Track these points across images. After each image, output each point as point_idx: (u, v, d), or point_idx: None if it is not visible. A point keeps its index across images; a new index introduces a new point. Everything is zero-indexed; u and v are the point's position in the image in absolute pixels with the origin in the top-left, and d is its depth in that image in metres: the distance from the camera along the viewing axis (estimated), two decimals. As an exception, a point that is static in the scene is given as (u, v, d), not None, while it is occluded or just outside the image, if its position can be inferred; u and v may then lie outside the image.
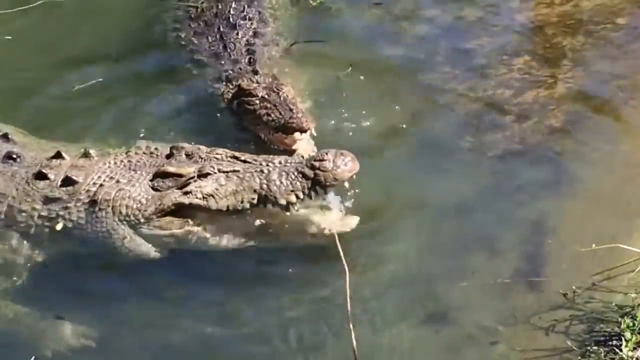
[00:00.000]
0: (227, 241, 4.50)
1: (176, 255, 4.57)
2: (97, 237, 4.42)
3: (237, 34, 6.03)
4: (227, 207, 4.40)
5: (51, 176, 4.55)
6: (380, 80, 5.99)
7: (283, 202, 4.37)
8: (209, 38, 6.02)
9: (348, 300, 4.04)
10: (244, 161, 4.55)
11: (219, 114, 5.58)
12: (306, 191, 4.35)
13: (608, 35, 6.33)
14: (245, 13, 6.18)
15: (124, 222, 4.40)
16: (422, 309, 4.43)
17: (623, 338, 4.13)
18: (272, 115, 5.23)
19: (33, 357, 4.27)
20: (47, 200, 4.48)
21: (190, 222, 4.45)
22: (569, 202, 4.96)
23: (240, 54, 5.90)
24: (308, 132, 5.17)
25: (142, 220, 4.40)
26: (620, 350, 4.09)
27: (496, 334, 4.30)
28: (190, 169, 4.46)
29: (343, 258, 4.19)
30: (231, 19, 6.13)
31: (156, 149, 4.72)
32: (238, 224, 4.51)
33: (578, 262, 4.56)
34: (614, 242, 4.47)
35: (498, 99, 5.78)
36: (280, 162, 4.47)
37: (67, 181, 4.51)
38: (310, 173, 4.35)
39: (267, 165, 4.47)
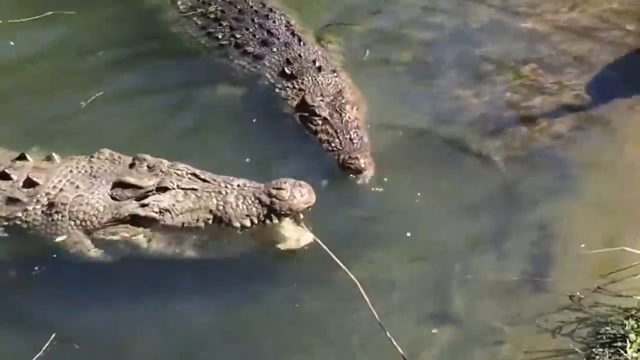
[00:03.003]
0: (180, 251, 4.54)
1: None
2: (52, 240, 4.49)
3: (274, 22, 6.12)
4: (182, 223, 4.48)
5: (14, 177, 4.62)
6: (387, 84, 6.05)
7: (237, 224, 4.43)
8: (250, 29, 6.06)
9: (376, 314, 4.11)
10: (204, 180, 4.59)
11: (283, 118, 5.58)
12: (261, 217, 4.42)
13: (615, 42, 6.36)
14: (268, 6, 6.28)
15: (79, 227, 4.48)
16: (428, 309, 4.48)
17: (628, 340, 4.17)
18: (332, 145, 5.27)
19: (53, 335, 4.32)
20: (8, 200, 4.55)
21: (145, 230, 4.50)
22: (574, 206, 5.01)
23: (287, 36, 5.98)
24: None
25: (97, 226, 4.47)
26: (625, 352, 4.13)
27: (502, 335, 4.34)
28: (150, 182, 4.52)
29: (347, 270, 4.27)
30: (259, 12, 6.21)
31: (119, 157, 4.77)
32: (194, 235, 4.53)
33: (584, 264, 4.60)
34: (619, 245, 4.51)
35: (504, 105, 5.84)
36: (238, 185, 4.53)
37: (28, 182, 4.58)
38: (266, 200, 4.42)
39: (226, 186, 4.53)
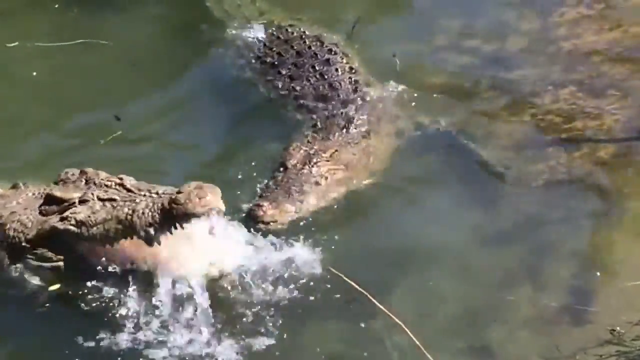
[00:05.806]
0: (97, 280, 4.27)
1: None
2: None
3: (337, 69, 5.72)
4: (97, 235, 4.18)
5: None
6: (425, 107, 5.97)
7: (142, 234, 4.05)
8: (310, 79, 5.68)
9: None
10: (128, 190, 4.30)
11: None
12: (164, 225, 4.02)
13: (658, 63, 6.24)
14: (327, 46, 5.90)
15: (10, 246, 4.39)
16: (465, 341, 4.40)
17: (671, 376, 4.05)
18: (263, 191, 4.95)
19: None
20: None
21: (60, 257, 4.33)
22: (616, 235, 4.89)
23: (348, 93, 5.62)
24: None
25: (24, 243, 4.37)
26: (668, 389, 4.02)
27: (541, 368, 4.25)
28: (75, 195, 4.32)
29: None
30: (319, 54, 5.84)
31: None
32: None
33: (625, 296, 4.48)
34: (662, 277, 4.40)
35: (543, 130, 5.74)
36: (157, 193, 4.18)
37: None
38: (167, 206, 4.01)
39: (144, 195, 4.20)
